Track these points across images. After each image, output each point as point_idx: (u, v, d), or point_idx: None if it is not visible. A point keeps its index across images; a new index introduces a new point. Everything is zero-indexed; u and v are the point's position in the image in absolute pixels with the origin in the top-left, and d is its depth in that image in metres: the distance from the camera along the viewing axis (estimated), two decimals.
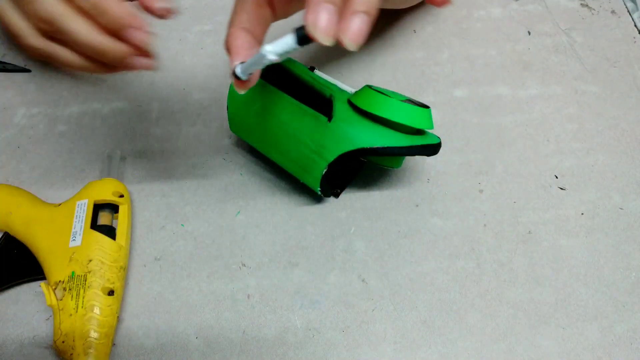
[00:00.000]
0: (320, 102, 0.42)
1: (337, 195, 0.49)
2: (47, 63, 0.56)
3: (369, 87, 0.41)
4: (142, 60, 0.30)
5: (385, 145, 0.40)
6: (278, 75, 0.44)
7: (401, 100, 0.40)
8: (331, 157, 0.41)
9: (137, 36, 0.28)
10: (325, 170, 0.42)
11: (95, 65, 0.31)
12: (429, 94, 0.55)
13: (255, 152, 0.51)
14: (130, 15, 0.28)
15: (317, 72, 0.46)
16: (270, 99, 0.43)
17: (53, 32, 0.29)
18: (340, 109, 0.41)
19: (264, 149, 0.46)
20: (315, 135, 0.41)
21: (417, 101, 0.42)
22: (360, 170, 0.50)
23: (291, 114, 0.42)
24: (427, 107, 0.41)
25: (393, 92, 0.42)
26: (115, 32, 0.28)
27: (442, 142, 0.52)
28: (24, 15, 0.29)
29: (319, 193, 0.45)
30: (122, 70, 0.31)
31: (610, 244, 0.47)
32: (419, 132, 0.42)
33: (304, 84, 0.44)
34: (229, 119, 0.46)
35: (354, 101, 0.41)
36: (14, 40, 0.30)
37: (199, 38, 0.59)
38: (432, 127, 0.41)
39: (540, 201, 0.49)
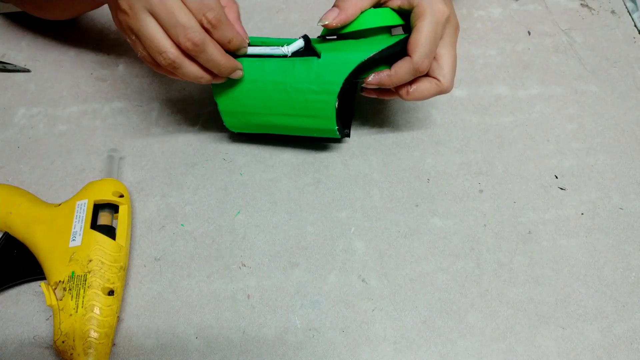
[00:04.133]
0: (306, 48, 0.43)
1: (348, 135, 0.50)
2: (47, 63, 0.57)
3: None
4: (239, 73, 0.41)
5: (378, 50, 0.40)
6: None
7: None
8: (337, 87, 0.41)
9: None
10: (337, 104, 0.42)
11: (207, 77, 0.40)
12: None
13: (255, 152, 0.51)
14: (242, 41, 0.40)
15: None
16: (251, 69, 0.43)
17: (194, 52, 0.37)
18: (322, 45, 0.42)
19: (267, 124, 0.45)
20: (314, 77, 0.42)
21: None
22: (354, 102, 0.52)
23: (282, 72, 0.42)
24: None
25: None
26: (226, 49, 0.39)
27: (442, 142, 0.52)
28: (168, 35, 0.37)
29: (337, 135, 0.45)
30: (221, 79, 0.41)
31: (610, 244, 0.47)
32: (390, 35, 0.43)
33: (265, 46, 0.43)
34: (223, 114, 0.46)
35: (322, 33, 0.43)
36: (145, 53, 0.38)
37: None
38: (402, 22, 0.42)
39: (540, 201, 0.49)
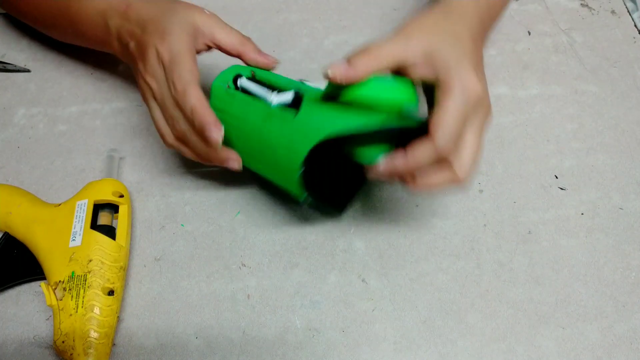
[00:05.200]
0: (296, 102, 0.40)
1: (340, 211, 0.45)
2: (47, 63, 0.57)
3: None
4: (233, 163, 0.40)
5: (355, 126, 0.35)
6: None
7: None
8: (303, 152, 0.37)
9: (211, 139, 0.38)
10: (301, 171, 0.37)
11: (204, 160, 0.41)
12: None
13: None
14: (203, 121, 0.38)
15: (309, 83, 0.43)
16: (239, 106, 0.41)
17: (182, 139, 0.41)
18: (310, 103, 0.38)
19: (245, 159, 0.42)
20: (285, 134, 0.38)
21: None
22: (363, 183, 0.47)
23: (261, 118, 0.40)
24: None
25: None
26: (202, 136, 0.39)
27: None
28: (168, 123, 0.41)
29: (301, 201, 0.40)
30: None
31: (610, 244, 0.47)
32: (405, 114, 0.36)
33: (275, 87, 0.42)
34: None
35: (324, 91, 0.38)
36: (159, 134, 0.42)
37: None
38: (414, 101, 0.36)
39: (540, 201, 0.49)
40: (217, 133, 0.37)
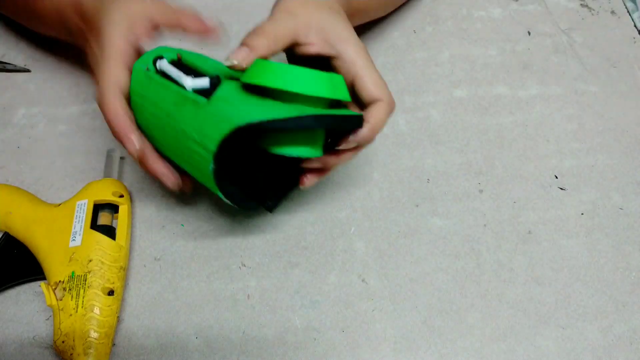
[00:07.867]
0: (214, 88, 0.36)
1: (270, 209, 0.41)
2: (47, 63, 0.57)
3: (263, 60, 0.35)
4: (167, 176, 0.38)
5: (269, 118, 0.31)
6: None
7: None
8: (213, 146, 0.33)
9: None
10: (213, 166, 0.33)
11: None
12: (429, 94, 0.55)
13: None
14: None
15: None
16: (155, 90, 0.37)
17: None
18: (227, 89, 0.35)
19: (163, 150, 0.39)
20: (196, 123, 0.34)
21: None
22: (296, 182, 0.42)
23: (174, 104, 0.35)
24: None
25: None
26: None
27: (442, 142, 0.52)
28: None
29: (224, 199, 0.36)
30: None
31: (610, 244, 0.47)
32: (333, 106, 0.35)
33: (196, 71, 0.38)
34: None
35: (242, 78, 0.34)
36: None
37: (199, 38, 0.58)
38: (344, 97, 0.34)
39: (540, 201, 0.49)
40: (132, 144, 0.36)
